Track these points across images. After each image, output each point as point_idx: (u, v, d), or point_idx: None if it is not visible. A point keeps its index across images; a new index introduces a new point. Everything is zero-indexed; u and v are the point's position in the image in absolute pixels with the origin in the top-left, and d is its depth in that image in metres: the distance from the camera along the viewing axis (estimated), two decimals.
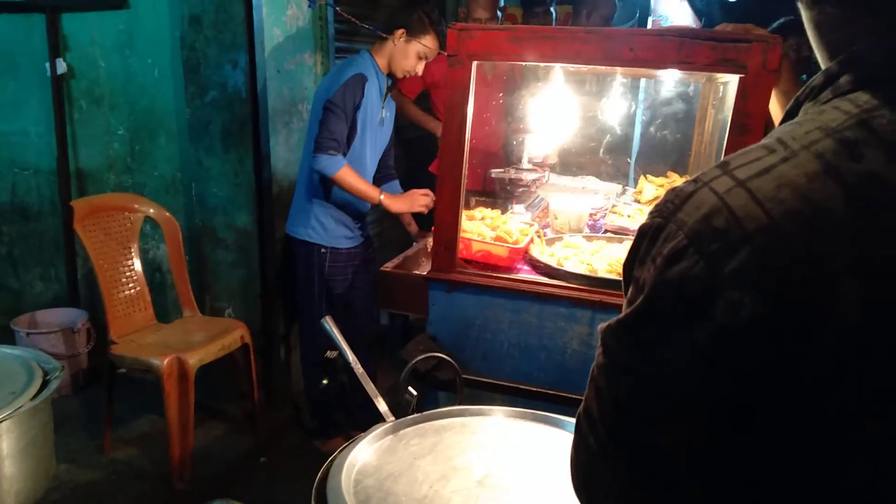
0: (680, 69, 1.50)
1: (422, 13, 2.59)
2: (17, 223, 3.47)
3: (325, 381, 2.71)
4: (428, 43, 2.60)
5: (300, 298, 2.80)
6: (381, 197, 2.57)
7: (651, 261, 0.54)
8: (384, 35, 2.65)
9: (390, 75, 2.70)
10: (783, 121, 0.61)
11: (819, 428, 0.49)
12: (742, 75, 1.44)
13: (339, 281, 2.74)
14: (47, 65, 3.16)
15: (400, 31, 2.59)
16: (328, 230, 2.68)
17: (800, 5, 0.61)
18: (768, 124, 1.64)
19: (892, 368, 0.48)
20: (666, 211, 0.55)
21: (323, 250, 2.69)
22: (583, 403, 0.61)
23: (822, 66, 0.61)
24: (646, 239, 0.56)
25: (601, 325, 0.61)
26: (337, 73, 2.58)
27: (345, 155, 2.53)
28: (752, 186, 0.51)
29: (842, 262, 0.47)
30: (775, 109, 1.79)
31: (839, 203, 0.48)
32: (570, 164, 3.26)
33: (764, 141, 0.56)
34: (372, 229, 3.01)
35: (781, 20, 2.76)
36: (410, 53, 2.61)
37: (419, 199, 2.54)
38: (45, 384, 1.74)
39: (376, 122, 2.69)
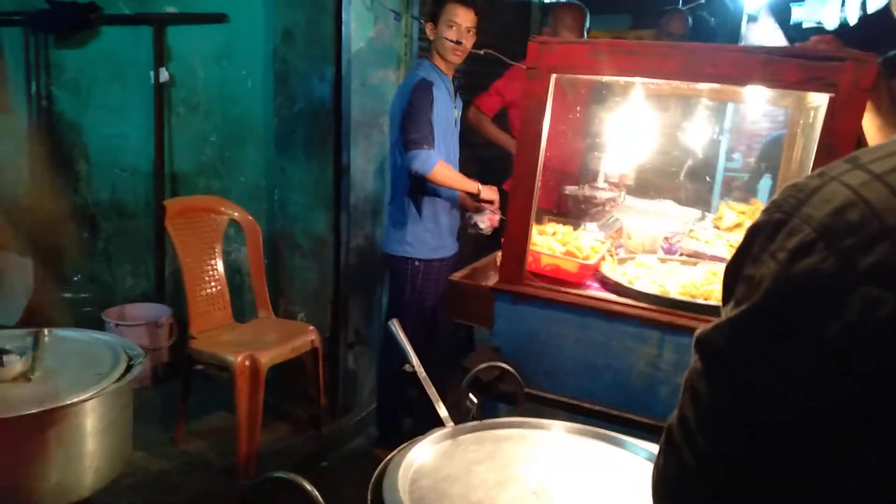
0: (765, 86, 1.45)
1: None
2: (113, 220, 3.70)
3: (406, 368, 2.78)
4: (450, 12, 2.66)
5: (389, 308, 2.88)
6: (479, 186, 2.69)
7: (770, 256, 0.51)
8: (477, 53, 2.74)
9: (456, 77, 2.78)
10: None
11: None
12: (832, 94, 1.38)
13: (430, 293, 2.80)
14: (151, 73, 3.37)
15: (429, 26, 2.71)
16: (424, 243, 2.76)
17: None
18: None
19: None
20: (787, 206, 0.52)
21: (417, 263, 2.76)
22: (675, 412, 0.57)
23: None
24: (761, 236, 0.53)
25: (699, 329, 0.56)
26: (404, 87, 2.70)
27: (436, 150, 2.60)
28: (890, 180, 0.48)
29: None
30: (872, 134, 1.71)
31: None
32: (648, 186, 3.20)
33: (894, 137, 0.53)
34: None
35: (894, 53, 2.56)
36: (443, 33, 2.67)
37: (497, 193, 2.72)
38: (128, 369, 1.84)
39: (451, 123, 2.78)
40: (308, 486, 1.01)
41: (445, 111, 2.69)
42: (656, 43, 1.81)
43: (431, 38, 2.72)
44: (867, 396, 0.46)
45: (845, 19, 5.30)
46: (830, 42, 1.71)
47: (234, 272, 3.40)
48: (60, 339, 1.93)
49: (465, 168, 2.93)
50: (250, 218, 3.06)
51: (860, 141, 1.38)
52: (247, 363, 2.58)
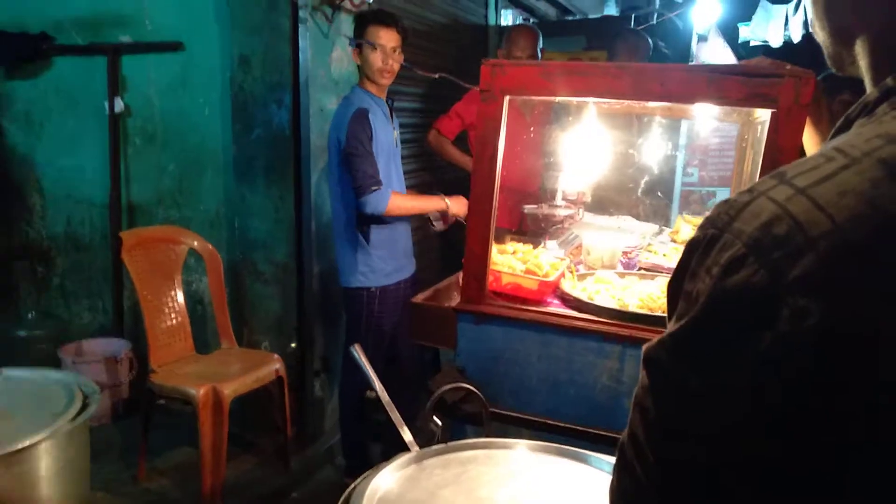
0: (711, 103, 1.50)
1: (355, 18, 2.72)
2: (69, 254, 3.61)
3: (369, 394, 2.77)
4: (372, 34, 2.64)
5: (347, 338, 2.85)
6: (447, 202, 2.70)
7: (705, 272, 0.52)
8: (431, 76, 2.75)
9: (389, 98, 2.79)
10: (832, 137, 0.60)
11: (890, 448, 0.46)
12: (774, 110, 1.43)
13: (388, 317, 2.78)
14: (106, 104, 3.33)
15: (354, 52, 2.71)
16: (377, 271, 2.73)
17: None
18: None
19: None
20: (720, 222, 0.53)
21: (373, 290, 2.73)
22: (626, 429, 0.58)
23: (869, 82, 0.60)
24: (697, 252, 0.54)
25: (646, 345, 0.57)
26: (340, 118, 2.65)
27: (386, 185, 2.59)
28: (813, 194, 0.49)
29: None
30: (811, 147, 1.77)
31: None
32: (606, 203, 3.25)
33: (820, 151, 0.55)
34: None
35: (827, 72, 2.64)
36: (368, 56, 2.65)
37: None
38: (84, 407, 1.79)
39: (392, 145, 2.76)
40: None
41: (385, 135, 2.68)
42: (606, 64, 1.86)
43: (357, 63, 2.70)
44: (809, 407, 0.47)
45: (789, 37, 5.50)
46: (774, 64, 1.77)
47: (196, 302, 3.34)
48: (11, 380, 1.87)
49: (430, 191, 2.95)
50: (210, 247, 3.02)
51: (802, 155, 1.43)
52: (209, 395, 2.53)
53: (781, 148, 1.42)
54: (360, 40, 2.67)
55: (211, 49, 3.15)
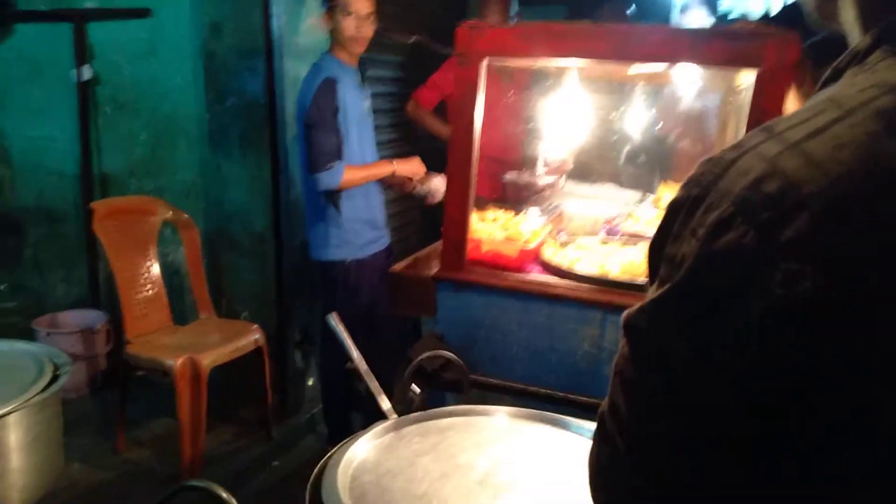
0: (694, 64, 1.47)
1: None
2: (42, 226, 3.53)
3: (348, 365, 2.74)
4: (345, 1, 2.54)
5: (324, 311, 2.80)
6: (394, 164, 2.66)
7: (690, 234, 0.48)
8: (406, 41, 2.67)
9: (361, 64, 2.71)
10: (820, 89, 0.56)
11: (881, 419, 0.44)
12: (758, 71, 1.40)
13: (366, 289, 2.73)
14: (73, 72, 3.22)
15: (324, 16, 2.59)
16: (349, 242, 2.67)
17: None
18: None
19: None
20: (704, 180, 0.49)
21: (347, 262, 2.68)
22: (606, 399, 0.55)
23: (858, 32, 0.57)
24: (681, 213, 0.50)
25: (626, 312, 0.54)
26: (306, 87, 2.56)
27: (341, 159, 2.52)
28: (805, 148, 0.46)
29: None
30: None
31: None
32: (589, 171, 3.23)
33: (810, 102, 0.51)
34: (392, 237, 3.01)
35: (819, 37, 2.54)
36: (340, 22, 2.56)
37: (422, 165, 2.72)
38: (54, 378, 1.75)
39: (363, 115, 2.69)
40: (224, 494, 0.96)
41: (354, 104, 2.61)
42: (587, 24, 1.82)
43: (328, 28, 2.60)
44: (802, 375, 0.45)
45: (769, 9, 5.50)
46: (758, 26, 1.74)
47: (173, 273, 3.28)
48: None
49: None
50: (186, 217, 2.96)
51: None
52: (187, 366, 2.50)
53: (766, 110, 1.40)
54: (331, 3, 2.56)
55: (180, 15, 3.06)
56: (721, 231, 0.46)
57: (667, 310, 0.50)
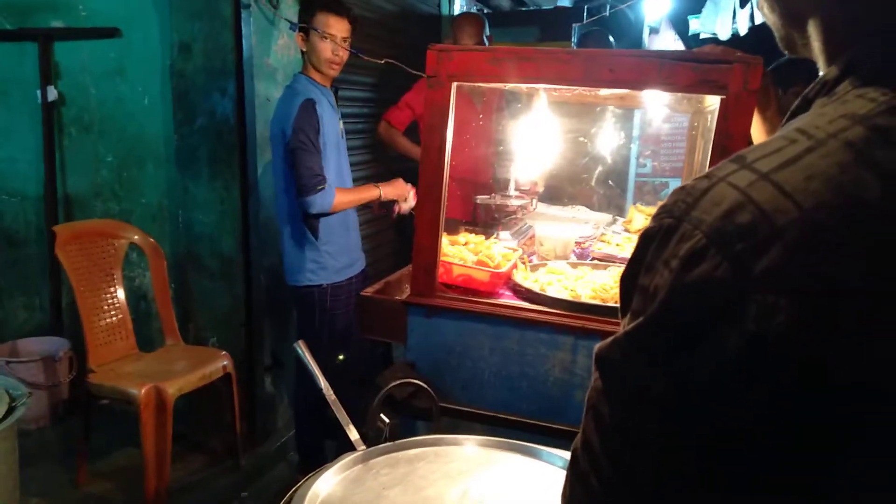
0: (661, 89, 1.48)
1: (304, 4, 2.57)
2: (2, 250, 3.43)
3: (341, 357, 2.71)
4: (321, 21, 2.52)
5: (300, 336, 2.75)
6: (380, 188, 2.62)
7: (663, 265, 0.48)
8: (374, 62, 2.64)
9: (334, 86, 2.68)
10: (789, 119, 0.56)
11: (861, 453, 0.43)
12: (723, 96, 1.41)
13: (342, 313, 2.68)
14: (38, 92, 3.16)
15: (299, 37, 2.55)
16: (327, 267, 2.63)
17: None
18: None
19: None
20: (677, 210, 0.49)
21: (324, 286, 2.64)
22: (580, 436, 0.53)
23: (825, 62, 0.57)
24: (654, 243, 0.49)
25: (598, 345, 0.52)
26: (284, 109, 2.50)
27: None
28: (777, 179, 0.46)
29: (886, 258, 0.42)
30: (759, 136, 1.77)
31: (877, 194, 0.43)
32: (560, 194, 3.24)
33: (780, 133, 0.51)
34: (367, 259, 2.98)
35: (784, 60, 2.50)
36: (316, 44, 2.53)
37: (406, 186, 2.68)
38: (10, 411, 1.68)
39: (338, 136, 2.66)
40: None
41: (331, 126, 2.58)
42: (555, 49, 1.83)
43: (303, 49, 2.56)
44: (772, 410, 0.44)
45: (736, 30, 5.61)
46: (723, 51, 1.77)
47: (139, 299, 3.21)
48: None
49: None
50: (152, 241, 2.90)
51: (751, 144, 1.42)
52: (151, 395, 2.43)
53: (731, 134, 1.41)
54: (306, 26, 2.53)
55: (149, 35, 3.02)
56: (694, 263, 0.46)
57: (641, 343, 0.49)
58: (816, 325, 0.42)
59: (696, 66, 1.43)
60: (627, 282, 0.53)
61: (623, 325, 0.51)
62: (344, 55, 2.60)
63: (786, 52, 0.65)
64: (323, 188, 2.44)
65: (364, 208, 2.97)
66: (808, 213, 0.44)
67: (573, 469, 0.53)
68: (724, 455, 0.45)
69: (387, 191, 2.66)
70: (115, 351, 2.72)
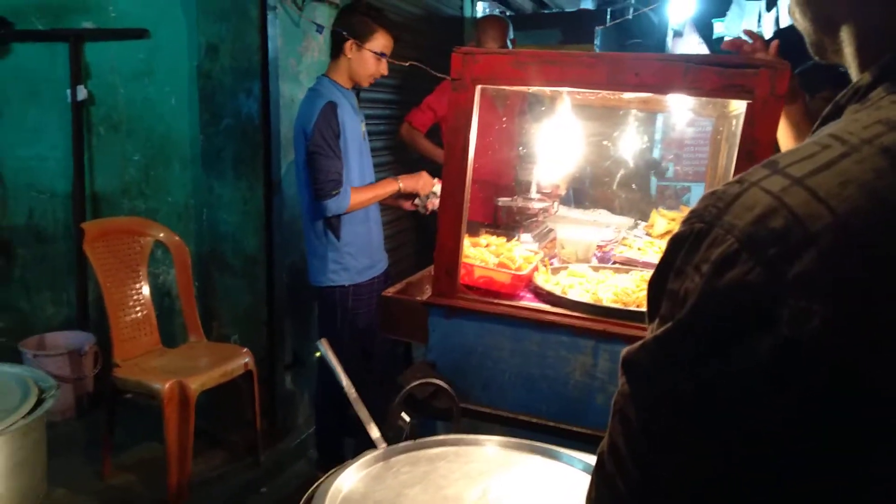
0: (686, 94, 1.48)
1: (361, 16, 2.54)
2: (31, 246, 3.51)
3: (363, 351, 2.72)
4: (379, 41, 2.55)
5: (322, 333, 2.78)
6: (399, 184, 2.61)
7: (694, 269, 0.48)
8: (399, 64, 2.66)
9: (355, 87, 2.68)
10: (821, 125, 0.56)
11: (887, 458, 0.43)
12: (749, 101, 1.41)
13: (364, 313, 2.71)
14: (68, 91, 3.22)
15: (349, 43, 2.54)
16: (349, 268, 2.65)
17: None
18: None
19: None
20: (708, 215, 0.49)
21: (346, 287, 2.66)
22: (606, 439, 0.53)
23: (858, 68, 0.57)
24: (684, 248, 0.49)
25: (626, 349, 0.53)
26: (306, 111, 2.51)
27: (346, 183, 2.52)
28: (811, 184, 0.45)
29: None
30: (785, 141, 1.75)
31: None
32: (583, 197, 3.24)
33: (813, 139, 0.50)
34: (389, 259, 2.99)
35: (810, 64, 2.49)
36: (367, 59, 2.55)
37: (429, 178, 2.66)
38: (39, 402, 1.72)
39: (360, 138, 2.67)
40: None
41: (353, 129, 2.59)
42: (580, 52, 1.83)
43: (350, 56, 2.55)
44: (803, 415, 0.44)
45: (762, 33, 5.53)
46: (759, 47, 1.76)
47: (163, 295, 3.26)
48: None
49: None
50: (177, 238, 2.94)
51: (777, 150, 1.42)
52: (175, 390, 2.46)
53: (757, 140, 1.40)
54: (367, 39, 2.53)
55: (177, 36, 3.07)
56: (726, 267, 0.46)
57: (670, 348, 0.49)
58: (850, 330, 0.42)
59: (721, 71, 1.42)
60: (656, 287, 0.52)
61: (651, 330, 0.51)
62: (385, 71, 2.63)
63: (816, 58, 0.65)
64: (338, 192, 2.46)
65: (388, 208, 2.97)
66: (842, 218, 0.44)
67: (599, 472, 0.53)
68: (751, 460, 0.45)
69: (407, 183, 2.64)
70: (139, 346, 2.76)
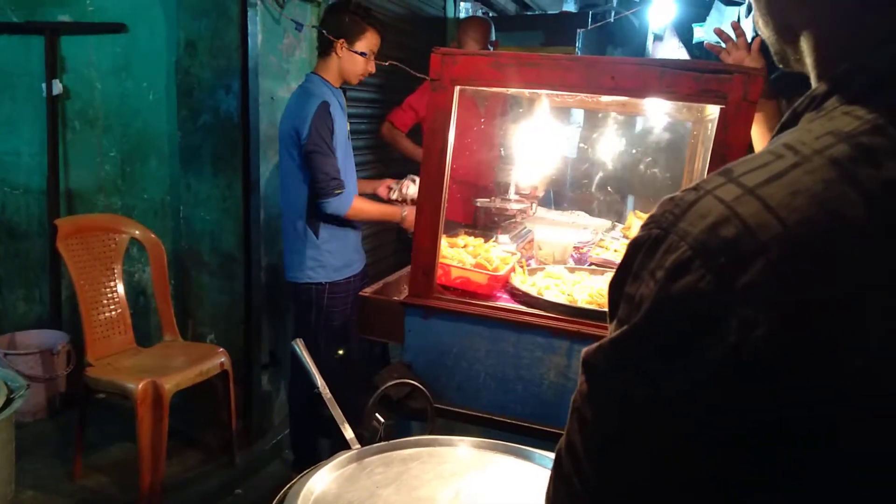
0: (662, 98, 1.49)
1: (351, 14, 2.56)
2: (3, 242, 3.45)
3: (340, 352, 2.70)
4: (369, 40, 2.58)
5: (297, 333, 2.77)
6: (404, 213, 2.61)
7: (649, 275, 0.49)
8: (380, 63, 2.65)
9: (342, 86, 2.69)
10: (778, 132, 0.57)
11: (839, 467, 0.44)
12: (723, 106, 1.43)
13: (339, 312, 2.70)
14: (43, 85, 3.17)
15: (340, 42, 2.55)
16: (326, 265, 2.64)
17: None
18: None
19: None
20: (665, 221, 0.50)
21: (322, 284, 2.65)
22: (564, 438, 0.54)
23: (816, 77, 0.58)
24: (640, 252, 0.50)
25: (585, 349, 0.53)
26: (298, 109, 2.51)
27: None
28: (762, 193, 0.46)
29: (867, 276, 0.43)
30: (759, 140, 1.78)
31: (860, 212, 0.44)
32: (561, 199, 3.26)
33: (768, 147, 0.51)
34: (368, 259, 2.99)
35: (780, 72, 2.55)
36: (357, 58, 2.58)
37: None
38: (8, 403, 1.69)
39: (346, 137, 2.68)
40: None
41: (342, 128, 2.60)
42: (558, 55, 1.84)
43: (340, 55, 2.57)
44: (751, 420, 0.45)
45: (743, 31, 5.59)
46: (741, 45, 1.78)
47: (139, 294, 3.22)
48: None
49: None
50: (153, 236, 2.91)
51: (752, 152, 1.43)
52: (148, 390, 2.44)
53: (729, 144, 1.42)
54: (356, 38, 2.55)
55: (156, 32, 3.03)
56: (679, 274, 0.47)
57: (625, 351, 0.50)
58: (797, 339, 0.43)
59: (696, 76, 1.44)
60: (615, 289, 0.53)
61: (609, 332, 0.52)
62: (373, 69, 2.65)
63: (780, 66, 0.66)
64: (341, 192, 2.48)
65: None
66: (791, 229, 0.44)
67: (556, 470, 0.54)
68: (699, 460, 0.47)
69: (410, 220, 2.57)
70: (113, 345, 2.73)
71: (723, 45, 1.90)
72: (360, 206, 2.58)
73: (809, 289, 0.43)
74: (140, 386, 2.43)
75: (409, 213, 2.64)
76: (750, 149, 1.61)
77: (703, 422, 0.46)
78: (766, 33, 0.63)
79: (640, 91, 1.50)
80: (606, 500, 0.50)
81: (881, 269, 0.43)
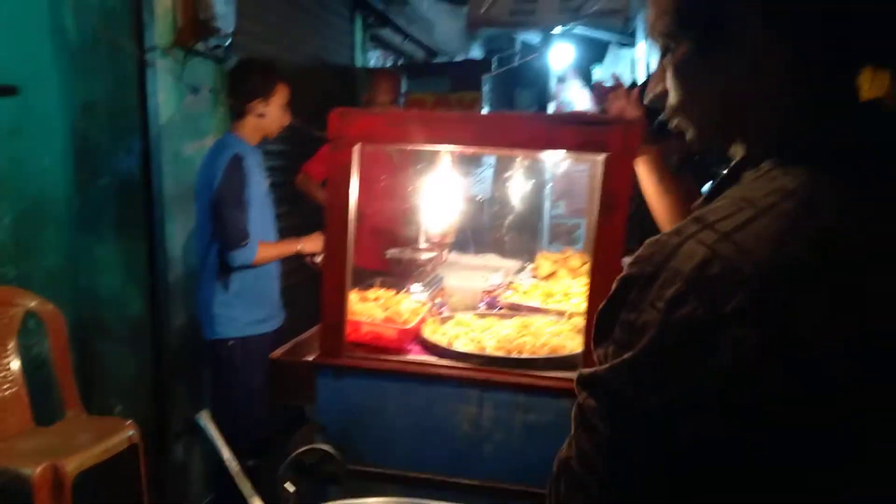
0: (550, 149, 1.56)
1: (258, 74, 2.64)
2: None
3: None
4: (281, 93, 2.67)
5: (212, 396, 2.70)
6: (299, 245, 2.67)
7: (650, 305, 0.58)
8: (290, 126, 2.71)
9: (259, 144, 2.74)
10: (721, 183, 0.70)
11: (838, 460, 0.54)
12: (606, 155, 1.51)
13: (253, 373, 2.61)
14: None
15: (256, 102, 2.63)
16: (237, 319, 2.59)
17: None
18: (641, 201, 1.72)
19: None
20: (655, 261, 0.60)
21: (231, 342, 2.58)
22: (571, 449, 0.63)
23: (746, 144, 0.69)
24: (636, 286, 0.60)
25: (585, 371, 0.63)
26: (211, 163, 2.56)
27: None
28: (735, 239, 0.57)
29: (817, 303, 0.54)
30: (651, 191, 1.87)
31: (805, 255, 0.56)
32: (480, 239, 3.31)
33: (731, 199, 0.62)
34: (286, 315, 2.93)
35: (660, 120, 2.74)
36: (274, 112, 2.66)
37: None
38: None
39: (265, 192, 2.72)
40: None
41: (259, 182, 2.62)
42: (452, 113, 1.90)
43: (259, 114, 2.64)
44: (755, 422, 0.54)
45: (635, 79, 5.97)
46: (622, 95, 1.88)
47: (36, 368, 3.02)
48: None
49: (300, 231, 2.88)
50: (51, 307, 2.76)
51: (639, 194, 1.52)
52: (47, 474, 2.28)
53: (613, 190, 1.49)
54: (270, 95, 2.63)
55: (50, 94, 2.93)
56: (678, 305, 0.57)
57: (637, 368, 0.59)
58: (779, 349, 0.54)
59: (580, 129, 1.52)
60: (606, 316, 0.63)
61: (605, 353, 0.62)
62: (290, 119, 2.74)
63: (699, 144, 0.76)
64: (246, 243, 2.50)
65: (286, 259, 2.97)
66: (761, 267, 0.55)
67: (569, 480, 0.62)
68: (702, 463, 0.56)
69: (307, 245, 2.72)
70: (8, 427, 2.54)
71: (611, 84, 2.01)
72: (264, 252, 2.61)
73: (781, 310, 0.54)
74: (38, 471, 2.26)
75: (305, 240, 2.70)
76: (638, 194, 1.69)
77: (702, 428, 0.55)
78: (673, 98, 0.73)
79: (529, 144, 1.57)
80: (620, 498, 0.59)
81: (822, 292, 0.55)
